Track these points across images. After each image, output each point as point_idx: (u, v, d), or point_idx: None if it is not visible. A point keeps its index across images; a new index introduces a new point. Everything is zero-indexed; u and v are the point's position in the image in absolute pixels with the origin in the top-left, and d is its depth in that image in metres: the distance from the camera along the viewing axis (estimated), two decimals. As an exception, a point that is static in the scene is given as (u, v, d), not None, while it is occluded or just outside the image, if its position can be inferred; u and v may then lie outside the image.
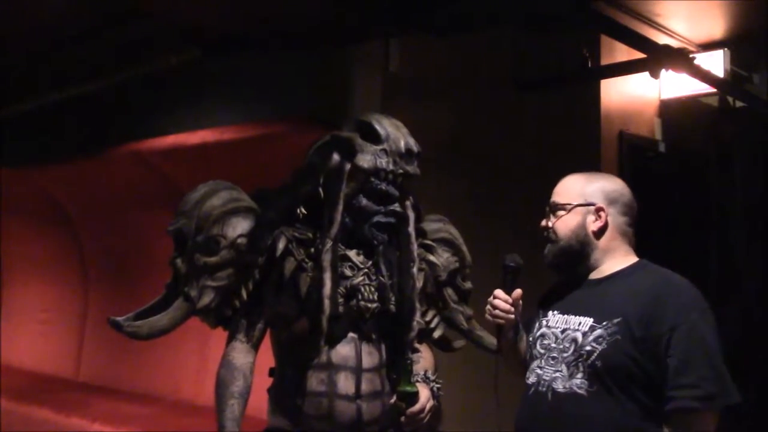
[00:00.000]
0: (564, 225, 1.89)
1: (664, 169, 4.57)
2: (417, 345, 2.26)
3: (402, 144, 2.10)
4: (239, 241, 2.08)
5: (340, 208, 2.08)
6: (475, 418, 2.98)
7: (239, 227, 2.10)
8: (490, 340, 2.26)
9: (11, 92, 5.15)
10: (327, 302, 2.02)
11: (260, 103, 3.87)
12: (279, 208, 2.13)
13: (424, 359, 2.25)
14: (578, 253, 1.88)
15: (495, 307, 1.92)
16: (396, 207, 2.13)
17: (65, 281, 5.86)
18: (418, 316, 2.19)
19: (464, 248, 2.40)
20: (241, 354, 2.11)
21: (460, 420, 3.38)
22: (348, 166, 2.08)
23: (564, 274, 1.96)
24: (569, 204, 1.89)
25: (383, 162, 2.08)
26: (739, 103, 4.82)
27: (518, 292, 1.93)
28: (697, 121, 4.82)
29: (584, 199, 1.89)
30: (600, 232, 1.87)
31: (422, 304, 2.24)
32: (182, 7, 3.43)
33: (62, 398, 4.95)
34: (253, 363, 2.13)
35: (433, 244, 2.33)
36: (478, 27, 3.47)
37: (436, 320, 2.34)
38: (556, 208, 1.91)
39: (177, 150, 4.22)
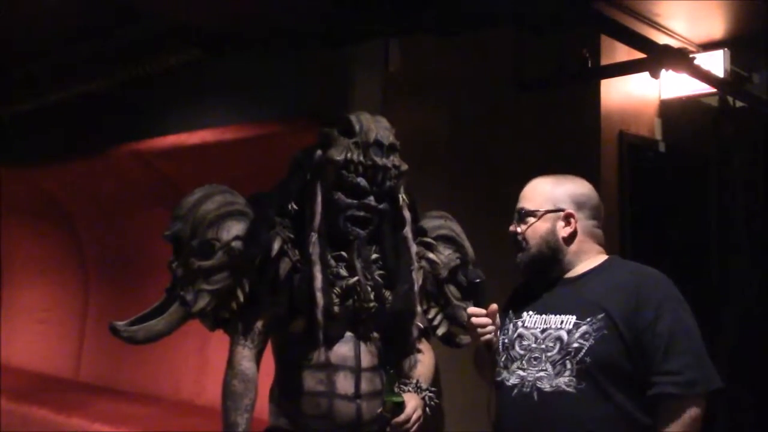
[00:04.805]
0: (534, 232, 1.89)
1: (664, 169, 4.57)
2: (420, 345, 2.26)
3: (372, 135, 2.07)
4: (234, 244, 2.08)
5: (319, 199, 2.08)
6: (476, 418, 2.98)
7: (233, 230, 2.10)
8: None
9: (11, 92, 5.16)
10: (319, 295, 2.01)
11: (260, 103, 3.86)
12: (272, 207, 2.13)
13: (421, 364, 2.24)
14: (550, 259, 1.89)
15: (478, 325, 1.90)
16: (371, 201, 2.11)
17: (65, 281, 5.86)
18: (417, 319, 2.18)
19: (467, 244, 2.40)
20: (251, 363, 2.11)
21: (461, 420, 3.38)
22: (323, 159, 2.09)
23: (537, 279, 1.95)
24: (538, 210, 1.90)
25: (354, 154, 2.06)
26: (739, 103, 4.82)
27: (493, 307, 1.92)
28: (697, 121, 4.83)
29: (553, 204, 1.89)
30: (570, 238, 1.89)
31: (422, 303, 2.24)
32: (182, 7, 3.43)
33: (62, 398, 4.94)
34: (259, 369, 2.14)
35: (433, 241, 2.32)
36: (478, 27, 3.47)
37: (438, 317, 2.34)
38: (526, 214, 1.91)
39: (177, 150, 4.21)
